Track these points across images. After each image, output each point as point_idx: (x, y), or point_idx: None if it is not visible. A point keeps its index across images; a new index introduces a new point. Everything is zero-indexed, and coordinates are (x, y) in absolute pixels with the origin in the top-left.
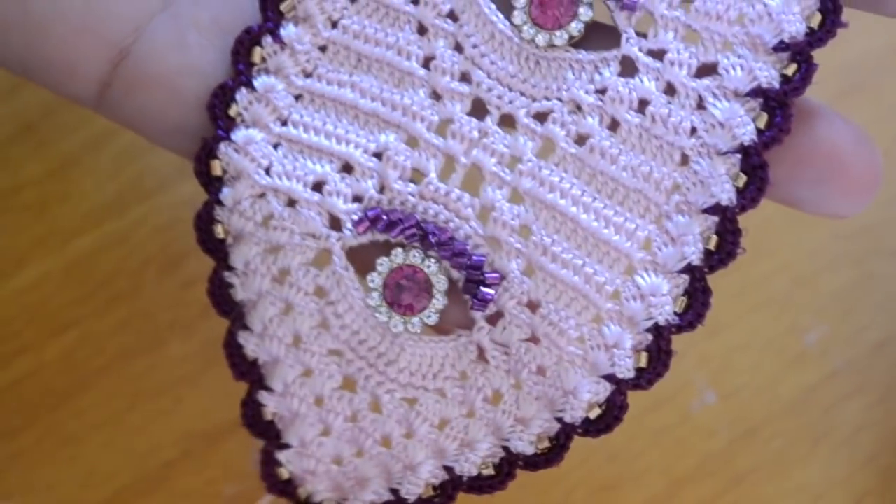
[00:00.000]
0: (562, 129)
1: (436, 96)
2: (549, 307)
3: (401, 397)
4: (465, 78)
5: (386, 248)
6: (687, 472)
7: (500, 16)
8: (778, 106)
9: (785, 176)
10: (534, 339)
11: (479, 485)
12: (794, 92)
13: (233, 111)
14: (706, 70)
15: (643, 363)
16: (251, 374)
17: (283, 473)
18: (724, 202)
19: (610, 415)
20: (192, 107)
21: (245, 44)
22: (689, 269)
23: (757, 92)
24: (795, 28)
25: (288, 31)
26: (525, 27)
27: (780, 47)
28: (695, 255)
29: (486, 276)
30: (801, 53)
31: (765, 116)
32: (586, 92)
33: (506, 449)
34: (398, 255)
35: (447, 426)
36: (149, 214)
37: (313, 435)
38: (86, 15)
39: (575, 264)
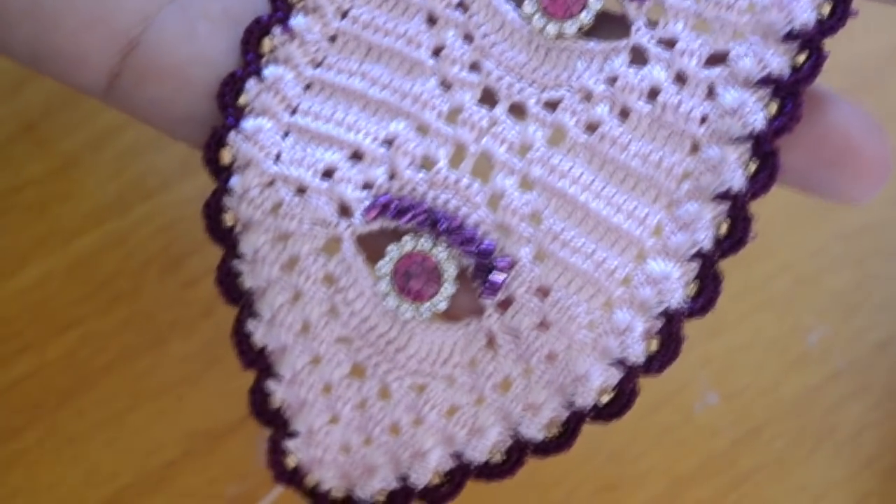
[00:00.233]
0: (572, 118)
1: (446, 85)
2: (560, 293)
3: (410, 384)
4: (474, 67)
5: (396, 236)
6: (689, 473)
7: (511, 5)
8: (788, 94)
9: (796, 162)
10: (544, 326)
11: (488, 472)
12: (804, 80)
13: (242, 100)
14: (717, 59)
15: (654, 348)
16: (259, 362)
17: (291, 462)
18: (735, 189)
19: (621, 400)
20: (201, 96)
21: (254, 34)
22: (699, 255)
23: (767, 80)
24: (806, 17)
25: (297, 21)
26: (535, 17)
27: (791, 36)
28: (706, 242)
29: (496, 262)
30: (811, 42)
31: (775, 104)
32: (596, 81)
33: (515, 436)
34: (408, 243)
35: (456, 413)
36: (150, 214)
37: (321, 423)
38: (95, 5)
39: (585, 250)
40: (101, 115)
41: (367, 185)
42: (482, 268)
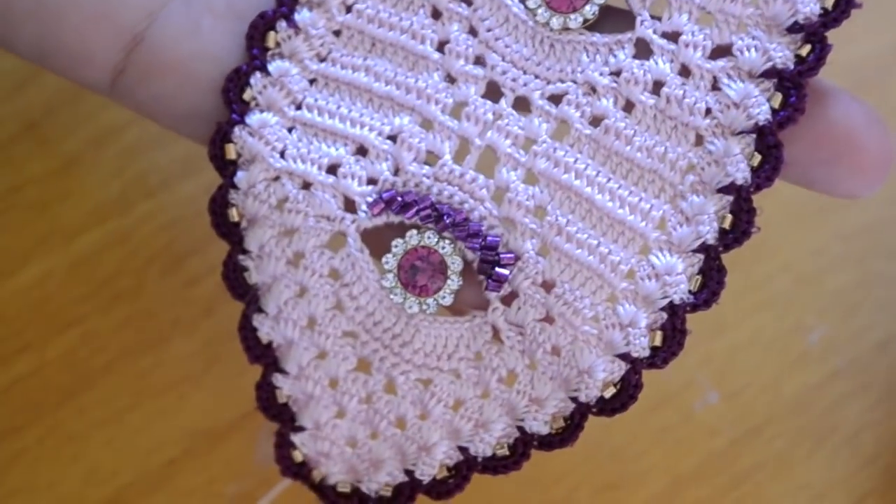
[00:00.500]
0: (576, 111)
1: (450, 79)
2: (564, 287)
3: (415, 378)
4: (479, 61)
5: (401, 230)
6: (689, 472)
7: None
8: (792, 86)
9: (799, 156)
10: (548, 319)
11: (493, 465)
12: (808, 72)
13: (247, 95)
14: (720, 51)
15: (658, 342)
16: (266, 356)
17: (298, 456)
18: (739, 181)
19: (625, 393)
20: (206, 92)
21: (259, 28)
22: (703, 248)
23: (771, 72)
24: (809, 9)
25: (302, 15)
26: (539, 10)
27: (795, 28)
28: (710, 235)
29: (501, 256)
30: (815, 34)
31: (779, 96)
32: (601, 74)
33: (520, 429)
34: (413, 237)
35: (462, 407)
36: (152, 213)
37: (328, 417)
38: (100, 2)
39: (590, 244)
40: (103, 114)
41: (371, 180)
42: (487, 262)
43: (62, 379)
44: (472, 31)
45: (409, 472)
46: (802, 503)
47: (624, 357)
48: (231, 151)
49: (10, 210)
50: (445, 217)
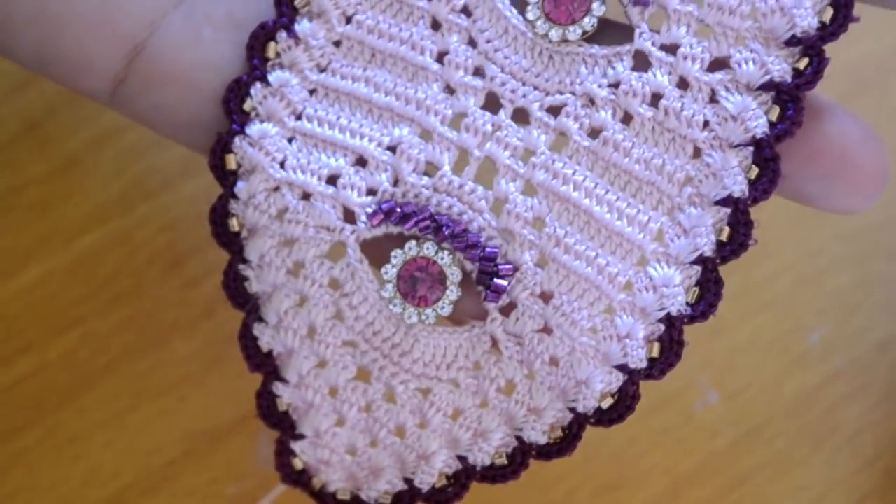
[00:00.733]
0: (575, 123)
1: (449, 91)
2: (562, 298)
3: (415, 388)
4: (478, 72)
5: (400, 241)
6: (690, 472)
7: (514, 11)
8: (790, 99)
9: (794, 171)
10: (547, 330)
11: (492, 474)
12: (806, 85)
13: (247, 106)
14: (719, 64)
15: (655, 353)
16: (266, 365)
17: (298, 464)
18: (737, 194)
19: (622, 404)
20: (206, 101)
21: (259, 39)
22: (701, 260)
23: (769, 85)
24: (807, 22)
25: (302, 26)
26: (538, 22)
27: (793, 41)
28: (707, 247)
29: (500, 267)
30: (812, 47)
31: (777, 109)
32: (599, 86)
33: (519, 439)
34: (412, 248)
35: (461, 416)
36: (152, 214)
37: (328, 425)
38: (101, 10)
39: (588, 255)
40: (104, 115)
41: (371, 191)
42: (485, 273)
43: (63, 379)
44: (472, 43)
45: (408, 481)
46: None
47: (621, 368)
48: (231, 162)
49: (10, 210)
50: (444, 228)
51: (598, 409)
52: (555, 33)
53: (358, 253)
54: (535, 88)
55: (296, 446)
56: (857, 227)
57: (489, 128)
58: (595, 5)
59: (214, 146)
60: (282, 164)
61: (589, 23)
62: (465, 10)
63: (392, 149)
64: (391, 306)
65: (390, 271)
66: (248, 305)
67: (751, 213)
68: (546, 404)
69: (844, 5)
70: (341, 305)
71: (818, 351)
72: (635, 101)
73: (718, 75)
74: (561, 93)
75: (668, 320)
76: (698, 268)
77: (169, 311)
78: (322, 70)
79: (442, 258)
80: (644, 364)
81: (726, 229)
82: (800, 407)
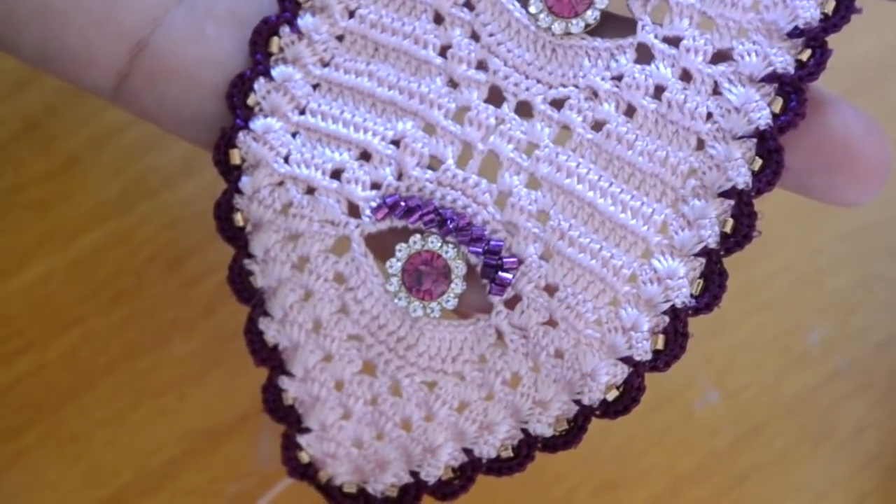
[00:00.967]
0: (578, 116)
1: (453, 84)
2: (567, 291)
3: (420, 381)
4: (481, 66)
5: (404, 235)
6: (690, 471)
7: (517, 4)
8: (793, 91)
9: (797, 164)
10: (552, 323)
11: (498, 467)
12: (809, 77)
13: (251, 101)
14: (721, 56)
15: (660, 345)
16: (272, 359)
17: (304, 457)
18: (740, 186)
19: (627, 396)
20: (209, 97)
21: (263, 34)
22: (705, 252)
23: (772, 77)
24: (810, 14)
25: (305, 20)
26: (541, 15)
27: (795, 33)
28: (711, 239)
29: (504, 260)
30: (815, 39)
31: (780, 101)
32: (602, 79)
33: (524, 431)
34: (416, 242)
35: (466, 409)
36: (152, 213)
37: (334, 419)
38: (104, 6)
39: (592, 248)
40: (104, 114)
41: (375, 185)
42: (490, 266)
43: (63, 379)
44: (475, 36)
45: (414, 474)
46: (803, 503)
47: (626, 360)
48: (235, 156)
49: (11, 210)
50: (449, 222)
51: (604, 402)
52: (558, 26)
53: (363, 247)
54: (539, 82)
55: (302, 440)
56: (857, 227)
57: (492, 121)
58: None
59: (218, 141)
60: (286, 159)
61: (591, 16)
62: (468, 4)
63: (396, 143)
64: (396, 300)
65: (395, 265)
66: (254, 300)
67: (754, 204)
68: (551, 396)
69: None
70: (346, 299)
71: (818, 350)
72: (638, 94)
73: (721, 67)
74: (564, 86)
75: (673, 312)
76: (702, 260)
77: (169, 310)
78: (325, 65)
79: (446, 252)
80: (649, 356)
81: (730, 221)
82: (800, 406)
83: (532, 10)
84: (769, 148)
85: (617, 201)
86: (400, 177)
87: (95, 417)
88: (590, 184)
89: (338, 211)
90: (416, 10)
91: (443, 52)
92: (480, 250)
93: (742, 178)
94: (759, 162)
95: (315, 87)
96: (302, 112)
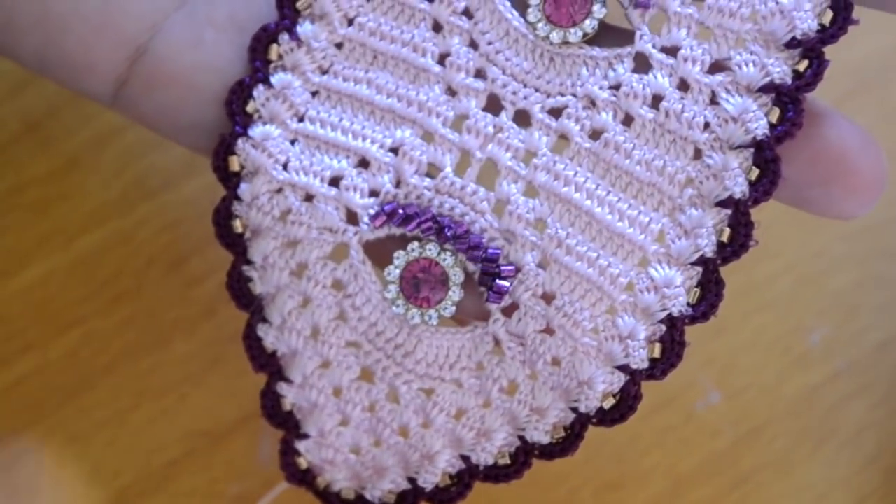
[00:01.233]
0: (576, 124)
1: (451, 92)
2: (564, 299)
3: (418, 388)
4: (479, 74)
5: (402, 242)
6: (691, 472)
7: (515, 13)
8: (790, 101)
9: (793, 176)
10: (549, 331)
11: (495, 474)
12: (806, 87)
13: (250, 108)
14: (719, 66)
15: (657, 354)
16: (270, 365)
17: (302, 463)
18: (737, 195)
19: (624, 405)
20: (208, 103)
21: (262, 41)
22: (702, 261)
23: (769, 87)
24: (807, 25)
25: (304, 28)
26: (540, 24)
27: (792, 44)
28: (708, 248)
29: (502, 268)
30: (812, 50)
31: (777, 111)
32: (600, 88)
33: (521, 438)
34: (414, 249)
35: (464, 416)
36: (153, 213)
37: (332, 425)
38: (103, 13)
39: (589, 257)
40: (104, 115)
41: (373, 193)
42: (488, 274)
43: (63, 379)
44: (473, 45)
45: (412, 480)
46: None
47: (623, 369)
48: (234, 163)
49: (11, 210)
50: (447, 229)
51: (600, 410)
52: (556, 35)
53: (361, 254)
54: (537, 90)
55: (300, 446)
56: (858, 228)
57: (491, 129)
58: (596, 7)
59: (217, 148)
60: (285, 166)
61: (590, 25)
62: (467, 13)
63: (394, 150)
64: (394, 307)
65: (393, 272)
66: (253, 306)
67: (751, 214)
68: (548, 404)
69: (844, 8)
70: (345, 306)
71: (819, 351)
72: (636, 103)
73: (719, 77)
74: (562, 95)
75: (670, 321)
76: (699, 268)
77: (170, 311)
78: (324, 72)
79: (444, 259)
80: (646, 364)
81: (727, 230)
82: (801, 407)
83: (530, 19)
84: (766, 158)
85: (614, 210)
86: (398, 184)
87: (96, 418)
88: (587, 192)
89: (336, 218)
90: (414, 19)
91: (441, 60)
92: (478, 258)
93: (739, 188)
94: (756, 172)
95: (314, 94)
96: (301, 119)
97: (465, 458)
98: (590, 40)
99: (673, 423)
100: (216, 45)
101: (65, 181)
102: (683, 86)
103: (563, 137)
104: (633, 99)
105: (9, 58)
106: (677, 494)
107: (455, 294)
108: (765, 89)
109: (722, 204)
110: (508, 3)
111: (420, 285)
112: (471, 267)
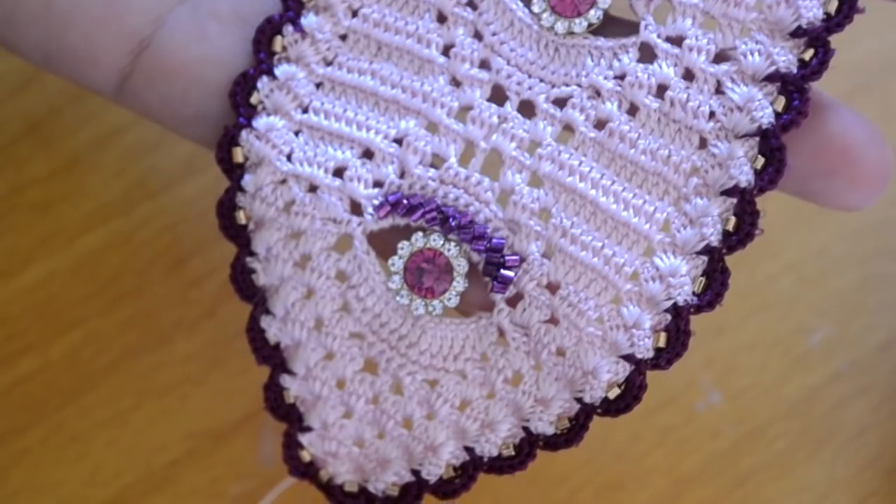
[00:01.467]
0: (581, 114)
1: (455, 83)
2: (569, 289)
3: (422, 379)
4: (484, 65)
5: (406, 233)
6: (692, 472)
7: (520, 3)
8: (795, 90)
9: (797, 168)
10: (553, 321)
11: (499, 465)
12: (811, 76)
13: (254, 99)
14: (724, 55)
15: (662, 343)
16: (273, 357)
17: (305, 456)
18: (743, 184)
19: (629, 394)
20: (212, 95)
21: (266, 33)
22: (707, 250)
23: (775, 76)
24: (813, 13)
25: (308, 20)
26: (544, 15)
27: (798, 32)
28: (713, 237)
29: (506, 258)
30: (818, 39)
31: (782, 100)
32: (605, 78)
33: (526, 429)
34: (419, 239)
35: (468, 407)
36: (154, 214)
37: (335, 417)
38: (107, 6)
39: (594, 246)
40: (105, 115)
41: (377, 183)
42: (492, 264)
43: (65, 379)
44: (478, 35)
45: (415, 472)
46: None
47: (628, 358)
48: (238, 155)
49: (12, 211)
50: (451, 220)
51: (605, 400)
52: (560, 26)
53: (365, 245)
54: (541, 80)
55: (303, 438)
56: (859, 227)
57: (495, 120)
58: None
59: (221, 139)
60: (288, 157)
61: (594, 15)
62: (471, 3)
63: (398, 141)
64: (398, 298)
65: (397, 263)
66: (256, 298)
67: (757, 203)
68: (553, 395)
69: None
70: (348, 297)
71: (820, 351)
72: (641, 93)
73: (724, 66)
74: (567, 85)
75: (675, 310)
76: (705, 258)
77: (171, 311)
78: (328, 63)
79: (449, 249)
80: (651, 354)
81: (732, 219)
82: (802, 407)
83: (535, 9)
84: (772, 146)
85: (619, 199)
86: (402, 175)
87: (97, 418)
88: (592, 182)
89: (340, 209)
90: (419, 10)
91: (446, 51)
92: (482, 248)
93: (744, 177)
94: (761, 160)
95: (318, 85)
96: (305, 110)
97: (469, 450)
98: (594, 31)
99: (674, 423)
100: (220, 38)
101: (66, 181)
102: (688, 75)
103: (568, 127)
104: (638, 88)
105: (12, 51)
106: (678, 495)
107: (459, 284)
108: (770, 78)
109: (727, 193)
110: None
111: (424, 276)
112: (475, 257)
